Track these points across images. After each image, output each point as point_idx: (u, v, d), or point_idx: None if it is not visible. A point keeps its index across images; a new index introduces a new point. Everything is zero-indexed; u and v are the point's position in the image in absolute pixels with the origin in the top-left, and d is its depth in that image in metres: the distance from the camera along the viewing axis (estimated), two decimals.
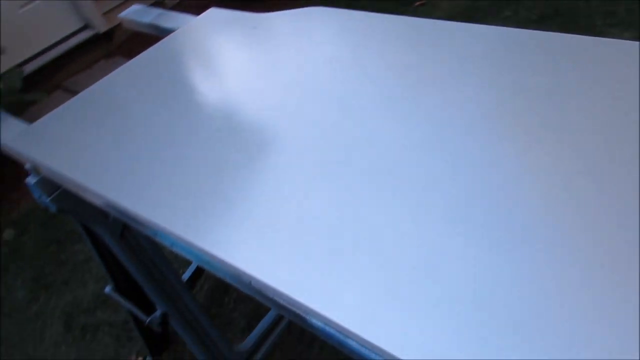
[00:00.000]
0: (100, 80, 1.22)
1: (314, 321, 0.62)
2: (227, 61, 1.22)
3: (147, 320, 1.45)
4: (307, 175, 0.81)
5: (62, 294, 2.14)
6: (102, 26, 3.84)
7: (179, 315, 1.37)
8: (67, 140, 1.07)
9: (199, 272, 1.89)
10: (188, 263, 1.97)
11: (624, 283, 0.55)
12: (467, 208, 0.68)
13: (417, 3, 3.46)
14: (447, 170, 0.75)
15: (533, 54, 0.93)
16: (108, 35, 3.89)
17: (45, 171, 1.07)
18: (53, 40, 3.77)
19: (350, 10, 1.26)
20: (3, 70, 3.12)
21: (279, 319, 1.64)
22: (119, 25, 3.87)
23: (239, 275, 0.70)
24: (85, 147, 1.03)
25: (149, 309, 1.53)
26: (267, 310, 1.66)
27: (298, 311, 0.63)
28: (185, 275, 1.83)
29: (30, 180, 1.12)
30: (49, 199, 1.13)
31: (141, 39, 1.37)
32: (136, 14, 1.58)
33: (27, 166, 1.11)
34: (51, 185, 1.12)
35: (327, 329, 0.61)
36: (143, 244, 1.31)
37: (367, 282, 0.62)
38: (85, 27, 3.89)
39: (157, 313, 1.41)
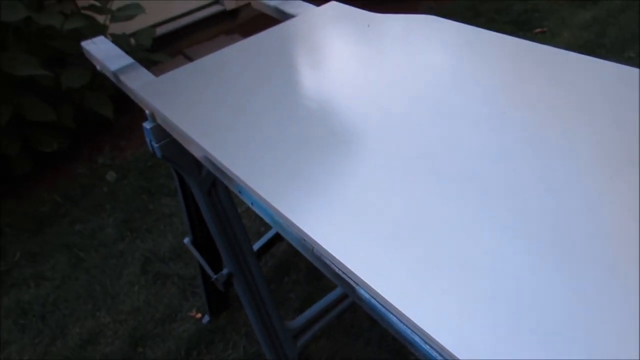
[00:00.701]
0: (219, 51, 1.34)
1: (362, 292, 0.68)
2: (334, 52, 1.28)
3: (214, 277, 1.56)
4: (384, 165, 0.86)
5: (145, 239, 2.34)
6: (230, 4, 4.10)
7: (243, 278, 1.47)
8: (183, 96, 1.18)
9: (268, 245, 1.99)
10: (260, 235, 2.07)
11: None
12: (532, 224, 0.70)
13: (538, 30, 3.36)
14: (526, 187, 0.76)
15: None
16: (233, 13, 4.13)
17: (160, 119, 1.20)
18: (185, 10, 4.07)
19: (461, 23, 1.28)
20: (137, 29, 3.42)
21: (331, 306, 1.69)
22: (245, 6, 4.11)
23: (304, 240, 0.77)
24: (196, 105, 1.14)
25: (217, 268, 1.64)
26: (322, 296, 1.72)
27: (350, 280, 0.69)
28: (256, 246, 1.93)
29: (147, 125, 1.25)
30: (158, 144, 1.26)
31: (260, 22, 1.47)
32: None
33: (147, 112, 1.24)
34: (162, 133, 1.25)
35: (372, 301, 0.66)
36: (225, 204, 1.41)
37: (416, 268, 0.67)
38: (215, 2, 4.17)
39: (224, 272, 1.51)
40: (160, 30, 3.90)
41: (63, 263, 2.30)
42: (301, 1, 1.61)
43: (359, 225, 0.76)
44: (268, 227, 2.18)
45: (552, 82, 1.01)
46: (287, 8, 1.58)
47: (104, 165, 2.87)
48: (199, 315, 1.96)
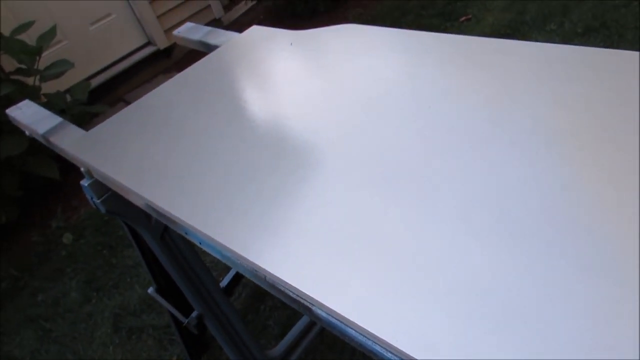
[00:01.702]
0: (148, 93, 1.32)
1: (319, 311, 0.67)
2: (263, 74, 1.28)
3: (185, 322, 1.52)
4: (325, 181, 0.86)
5: (112, 296, 2.27)
6: (162, 43, 4.07)
7: (214, 316, 1.43)
8: (117, 146, 1.16)
9: (237, 279, 1.95)
10: (227, 270, 2.04)
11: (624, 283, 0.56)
12: (472, 207, 0.71)
13: (463, 18, 3.46)
14: (468, 179, 0.77)
15: (574, 69, 0.93)
16: (168, 51, 4.10)
17: (97, 174, 1.17)
18: (119, 56, 4.02)
19: (379, 27, 1.30)
20: (72, 83, 3.35)
21: (310, 326, 1.67)
22: (177, 43, 4.09)
23: (255, 270, 0.75)
24: (131, 153, 1.11)
25: (187, 311, 1.60)
26: (301, 318, 1.70)
27: (305, 302, 0.68)
28: (224, 282, 1.90)
29: (84, 182, 1.22)
30: (99, 200, 1.23)
31: (197, 56, 1.47)
32: (188, 32, 1.69)
33: (82, 169, 1.21)
34: (102, 187, 1.22)
35: (330, 318, 0.66)
36: (181, 247, 1.38)
37: (367, 278, 0.67)
38: (147, 44, 4.13)
39: (194, 314, 1.47)
40: (97, 81, 3.84)
41: (30, 338, 2.20)
42: (224, 31, 1.61)
43: (308, 246, 0.75)
44: None
45: (475, 70, 1.03)
46: (211, 39, 1.57)
47: (59, 228, 2.78)
48: None
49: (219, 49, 1.45)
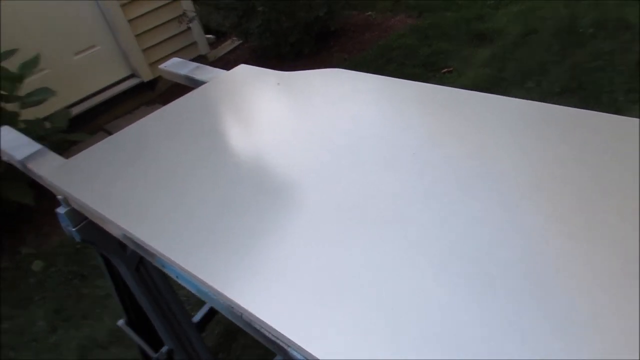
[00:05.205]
0: (132, 124, 1.33)
1: (295, 353, 0.67)
2: (249, 112, 1.32)
3: (155, 357, 1.49)
4: (307, 219, 0.88)
5: (80, 327, 2.21)
6: (147, 75, 4.11)
7: (185, 353, 1.41)
8: (96, 175, 1.16)
9: (210, 315, 1.93)
10: (201, 304, 2.01)
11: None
12: (449, 256, 0.73)
13: (445, 70, 3.58)
14: (446, 224, 0.80)
15: (549, 127, 0.97)
16: (151, 84, 4.14)
17: (74, 203, 1.16)
18: (102, 86, 4.04)
19: (363, 73, 1.35)
20: (53, 111, 3.35)
21: None
22: (161, 76, 4.13)
23: (231, 307, 0.75)
24: (110, 183, 1.12)
25: (157, 346, 1.57)
26: (274, 356, 1.67)
27: (281, 343, 0.68)
28: (197, 317, 1.87)
29: (60, 210, 1.21)
30: (75, 228, 1.22)
31: (181, 90, 1.50)
32: (175, 66, 1.72)
33: (59, 197, 1.21)
34: (78, 216, 1.21)
35: None
36: (156, 280, 1.37)
37: (344, 321, 0.68)
38: (131, 76, 4.17)
39: (164, 349, 1.45)
40: (78, 109, 3.84)
41: None
42: (211, 67, 1.65)
43: (288, 286, 0.75)
44: None
45: (455, 120, 1.07)
46: (198, 75, 1.61)
47: (29, 254, 2.72)
48: None
49: (205, 85, 1.48)
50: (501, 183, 0.86)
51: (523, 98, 3.12)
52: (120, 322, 1.58)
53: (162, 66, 1.76)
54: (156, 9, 4.05)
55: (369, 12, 4.88)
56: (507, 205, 0.80)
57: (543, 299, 0.64)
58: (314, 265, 0.78)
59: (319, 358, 0.64)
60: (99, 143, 1.29)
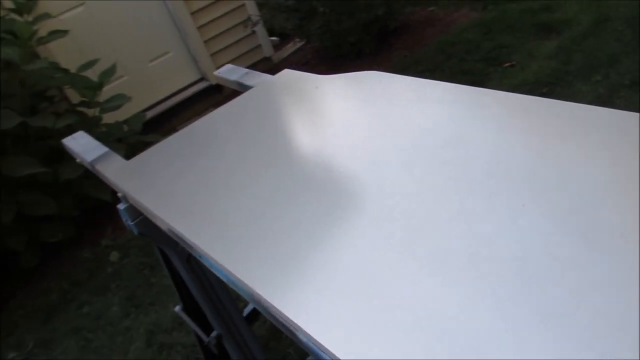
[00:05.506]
0: (181, 130, 1.47)
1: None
2: (287, 114, 1.41)
3: (207, 341, 1.62)
4: (346, 228, 0.93)
5: (148, 313, 2.41)
6: (214, 79, 4.33)
7: (231, 338, 1.53)
8: (150, 174, 1.30)
9: None
10: None
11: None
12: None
13: (507, 64, 3.50)
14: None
15: (601, 132, 0.93)
16: (219, 87, 4.36)
17: (130, 199, 1.31)
18: (174, 90, 4.32)
19: (400, 75, 1.39)
20: (130, 114, 3.64)
21: None
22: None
23: (276, 317, 0.81)
24: (162, 180, 1.25)
25: (210, 331, 1.71)
26: None
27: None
28: (249, 307, 2.00)
29: (120, 206, 1.37)
30: (133, 222, 1.37)
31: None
32: (227, 72, 1.85)
33: (119, 195, 1.36)
34: (135, 211, 1.36)
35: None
36: (206, 270, 1.50)
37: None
38: (201, 79, 4.41)
39: (213, 334, 1.58)
40: (153, 112, 4.13)
41: (73, 347, 2.37)
42: (258, 73, 1.75)
43: (332, 299, 0.77)
44: None
45: (484, 121, 1.08)
46: (246, 80, 1.72)
47: (107, 246, 2.99)
48: None
49: (252, 90, 1.59)
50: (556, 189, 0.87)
51: (588, 92, 3.05)
52: (177, 308, 1.73)
53: (216, 72, 1.90)
54: (223, 15, 4.26)
55: (432, 8, 4.84)
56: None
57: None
58: (369, 282, 0.78)
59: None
60: (154, 146, 1.43)
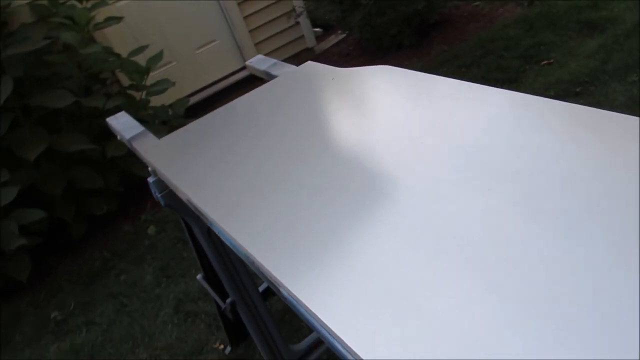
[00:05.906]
0: (207, 115, 1.61)
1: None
2: (301, 103, 1.52)
3: (223, 307, 1.78)
4: (360, 220, 1.04)
5: (178, 283, 2.60)
6: None
7: (245, 305, 1.67)
8: (175, 152, 1.45)
9: None
10: None
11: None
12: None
13: (544, 62, 3.48)
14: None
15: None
16: None
17: (159, 173, 1.46)
18: (218, 77, 4.51)
19: (413, 71, 1.48)
20: (175, 99, 3.85)
21: None
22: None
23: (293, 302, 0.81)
24: (186, 156, 1.39)
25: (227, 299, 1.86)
26: None
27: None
28: (264, 285, 2.14)
29: (150, 179, 1.53)
30: (160, 194, 1.53)
31: None
32: (257, 63, 1.98)
33: (149, 169, 1.52)
34: (162, 184, 1.51)
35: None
36: (224, 242, 1.64)
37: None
38: (244, 68, 4.58)
39: (228, 300, 1.72)
40: (196, 98, 4.33)
41: (109, 310, 2.60)
42: (285, 64, 1.88)
43: (356, 295, 0.74)
44: None
45: (489, 121, 1.08)
46: (273, 70, 1.85)
47: (146, 221, 3.21)
48: (222, 346, 2.16)
49: (273, 80, 1.72)
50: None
51: (622, 92, 3.05)
52: (199, 277, 1.89)
53: (248, 62, 2.03)
54: (268, 6, 4.41)
55: (477, 3, 4.82)
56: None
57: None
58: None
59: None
60: (179, 130, 1.58)
